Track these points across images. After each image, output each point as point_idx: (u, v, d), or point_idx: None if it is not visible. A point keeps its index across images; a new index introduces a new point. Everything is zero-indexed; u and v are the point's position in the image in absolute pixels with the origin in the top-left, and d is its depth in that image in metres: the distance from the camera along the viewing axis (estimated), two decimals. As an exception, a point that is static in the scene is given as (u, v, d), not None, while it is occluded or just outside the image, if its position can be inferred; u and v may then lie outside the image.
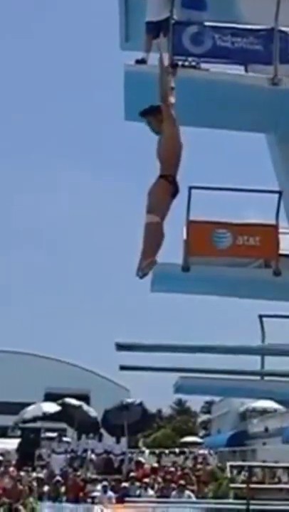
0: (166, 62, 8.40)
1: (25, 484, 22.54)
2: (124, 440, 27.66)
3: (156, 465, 25.25)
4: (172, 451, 28.59)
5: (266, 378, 13.88)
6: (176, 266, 12.43)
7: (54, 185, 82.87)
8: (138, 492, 21.70)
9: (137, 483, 22.27)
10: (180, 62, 11.45)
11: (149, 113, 7.80)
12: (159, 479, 23.46)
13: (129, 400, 29.38)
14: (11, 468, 24.71)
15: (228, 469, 25.30)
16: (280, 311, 14.63)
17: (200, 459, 27.23)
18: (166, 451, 28.73)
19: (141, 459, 25.57)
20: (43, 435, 30.22)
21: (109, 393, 39.44)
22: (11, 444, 29.52)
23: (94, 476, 23.74)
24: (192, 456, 27.65)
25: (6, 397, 42.50)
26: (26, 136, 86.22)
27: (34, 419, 29.24)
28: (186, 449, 30.03)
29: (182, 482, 21.97)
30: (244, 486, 20.32)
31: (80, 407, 28.76)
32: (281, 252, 12.89)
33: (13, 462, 26.37)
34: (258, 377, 14.10)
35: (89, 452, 25.70)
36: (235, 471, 25.67)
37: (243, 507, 17.68)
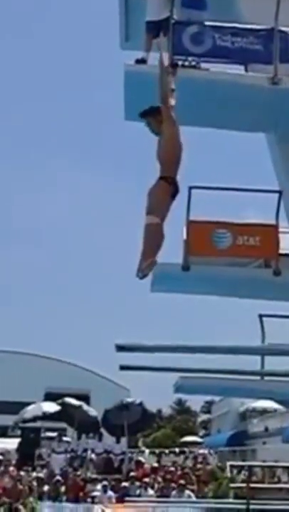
0: (166, 63, 8.37)
1: (25, 484, 22.55)
2: (124, 440, 27.66)
3: (156, 465, 25.26)
4: (172, 451, 28.59)
5: (266, 378, 13.88)
6: (176, 266, 12.44)
7: (54, 185, 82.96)
8: (138, 492, 21.70)
9: (137, 483, 22.27)
10: (180, 62, 11.46)
11: (148, 114, 7.79)
12: (159, 479, 23.47)
13: (129, 400, 29.37)
14: (11, 468, 24.71)
15: (228, 469, 25.31)
16: (280, 311, 14.64)
17: (200, 459, 27.23)
18: (166, 450, 28.73)
19: (141, 458, 25.57)
20: (43, 435, 30.22)
21: (109, 393, 39.45)
22: (11, 443, 29.51)
23: (94, 476, 23.75)
24: (192, 456, 27.66)
25: (6, 397, 42.52)
26: (26, 136, 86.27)
27: (34, 419, 29.24)
28: (186, 449, 30.03)
29: (182, 482, 21.97)
30: (244, 485, 20.32)
31: (80, 406, 28.76)
32: (281, 251, 12.89)
33: (13, 462, 26.37)
34: (258, 377, 14.10)
35: (89, 452, 25.71)
36: (235, 471, 25.68)
37: (243, 506, 17.69)
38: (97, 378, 50.29)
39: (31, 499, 21.11)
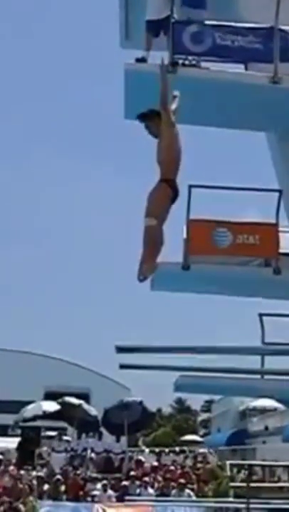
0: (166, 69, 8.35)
1: (25, 483, 22.54)
2: (124, 439, 27.63)
3: (156, 464, 25.25)
4: (172, 450, 28.56)
5: (266, 377, 13.88)
6: (177, 264, 12.45)
7: (54, 184, 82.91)
8: (138, 491, 21.69)
9: (137, 482, 22.26)
10: (180, 61, 11.47)
11: (147, 117, 7.78)
12: (159, 478, 23.45)
13: (130, 399, 29.35)
14: (11, 467, 24.69)
15: (228, 468, 25.29)
16: (280, 310, 14.65)
17: (200, 458, 27.20)
18: (166, 449, 28.66)
19: (141, 457, 25.55)
20: (43, 434, 30.20)
21: (109, 392, 39.43)
22: (11, 442, 29.50)
23: (94, 475, 23.72)
24: (192, 455, 27.63)
25: (6, 396, 42.53)
26: (26, 135, 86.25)
27: (34, 418, 29.21)
28: (186, 448, 30.00)
29: (182, 481, 21.96)
30: (244, 484, 20.30)
31: (80, 405, 28.74)
32: (281, 250, 12.91)
33: (13, 461, 26.36)
34: (258, 376, 14.11)
35: (89, 451, 25.68)
36: (235, 470, 25.67)
37: (243, 506, 17.68)
38: (97, 377, 50.29)
39: (31, 498, 21.10)
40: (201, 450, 29.45)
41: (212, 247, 12.84)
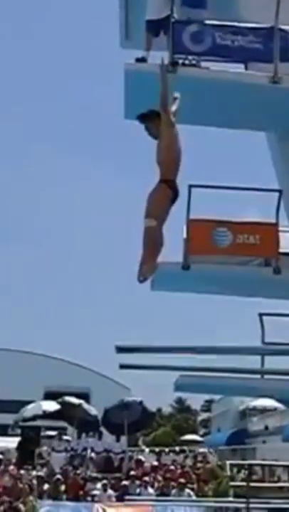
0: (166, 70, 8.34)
1: (25, 483, 22.54)
2: (124, 439, 27.64)
3: (156, 463, 25.26)
4: (172, 450, 28.57)
5: (266, 377, 13.89)
6: (177, 264, 12.45)
7: (54, 183, 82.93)
8: (138, 490, 21.69)
9: (137, 482, 22.27)
10: (180, 61, 11.47)
11: (146, 117, 7.77)
12: (159, 478, 23.45)
13: (130, 399, 29.36)
14: (11, 467, 24.70)
15: (228, 468, 25.29)
16: (280, 309, 14.66)
17: (200, 458, 27.21)
18: (166, 449, 28.67)
19: (141, 457, 25.56)
20: (43, 433, 30.19)
21: (109, 392, 39.42)
22: (11, 442, 29.50)
23: (94, 475, 23.72)
24: (192, 455, 27.64)
25: (6, 396, 42.52)
26: (26, 134, 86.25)
27: (34, 418, 29.22)
28: (186, 448, 30.01)
29: (182, 480, 21.97)
30: (244, 484, 20.31)
31: (80, 405, 28.75)
32: (281, 250, 12.91)
33: (13, 460, 26.37)
34: (258, 376, 14.12)
35: (89, 451, 25.68)
36: (235, 470, 25.68)
37: (243, 505, 17.69)
38: (97, 377, 50.29)
39: (31, 498, 21.10)
40: (201, 450, 29.45)
41: (212, 247, 12.85)
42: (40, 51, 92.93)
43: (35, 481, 22.62)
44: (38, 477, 22.95)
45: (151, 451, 28.23)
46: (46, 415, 29.06)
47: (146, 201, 7.47)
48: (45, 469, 24.36)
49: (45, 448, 26.95)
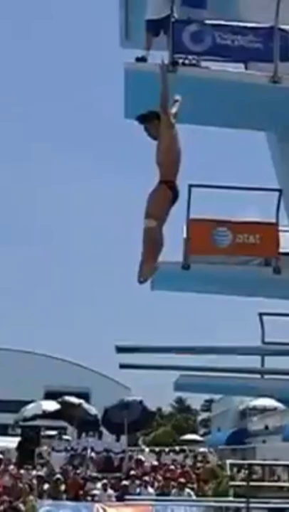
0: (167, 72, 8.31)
1: (25, 482, 22.53)
2: (124, 438, 27.66)
3: (156, 463, 25.26)
4: (172, 450, 28.58)
5: (266, 376, 13.90)
6: (177, 264, 12.45)
7: (55, 182, 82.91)
8: (138, 490, 21.69)
9: (137, 482, 22.26)
10: (180, 61, 11.47)
11: (146, 118, 7.76)
12: (159, 477, 23.45)
13: (130, 398, 29.36)
14: (11, 467, 24.72)
15: (228, 467, 25.28)
16: (280, 309, 14.65)
17: (200, 457, 27.22)
18: (166, 449, 28.69)
19: (141, 457, 25.55)
20: (43, 433, 30.18)
21: (109, 391, 39.44)
22: (11, 442, 29.49)
23: (94, 474, 23.70)
24: (192, 455, 27.64)
25: (6, 396, 42.52)
26: (26, 134, 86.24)
27: (34, 418, 29.23)
28: (186, 447, 30.02)
29: (182, 480, 21.96)
30: (244, 484, 20.30)
31: (80, 405, 28.76)
32: (281, 250, 12.91)
33: (13, 460, 26.37)
34: (258, 376, 14.12)
35: (89, 450, 25.68)
36: (235, 469, 25.66)
37: (243, 505, 17.68)
38: (97, 376, 50.30)
39: (31, 497, 21.09)
40: (201, 449, 29.47)
41: (212, 247, 12.85)
42: (40, 51, 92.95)
43: (35, 481, 22.62)
44: (38, 477, 22.95)
45: (151, 451, 28.25)
46: (46, 415, 29.06)
47: (146, 202, 7.47)
48: (45, 469, 24.36)
49: (45, 448, 26.96)
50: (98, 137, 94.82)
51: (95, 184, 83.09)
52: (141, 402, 28.35)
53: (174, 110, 7.76)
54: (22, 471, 24.06)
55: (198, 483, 23.31)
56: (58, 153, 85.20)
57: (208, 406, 67.63)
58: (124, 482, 22.10)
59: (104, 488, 21.78)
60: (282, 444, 32.98)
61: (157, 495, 21.42)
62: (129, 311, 79.18)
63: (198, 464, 25.96)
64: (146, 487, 21.91)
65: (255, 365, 11.89)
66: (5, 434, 34.47)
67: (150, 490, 21.88)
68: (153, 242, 7.42)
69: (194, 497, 21.19)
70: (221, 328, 66.32)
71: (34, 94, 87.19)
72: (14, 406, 33.11)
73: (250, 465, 23.70)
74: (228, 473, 24.61)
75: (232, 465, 25.76)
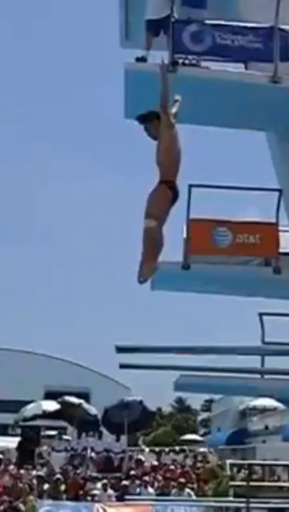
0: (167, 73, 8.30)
1: (25, 482, 22.54)
2: (124, 438, 27.67)
3: (156, 463, 25.26)
4: (172, 450, 28.59)
5: (266, 376, 13.89)
6: (177, 264, 12.45)
7: (54, 183, 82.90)
8: (138, 490, 21.69)
9: (137, 482, 22.26)
10: (180, 61, 11.47)
11: (146, 118, 7.76)
12: (159, 477, 23.45)
13: (130, 398, 29.37)
14: (11, 467, 24.72)
15: (228, 467, 25.28)
16: (280, 309, 14.65)
17: (200, 457, 27.23)
18: (166, 449, 28.69)
19: (141, 457, 25.56)
20: (43, 433, 30.18)
21: (109, 391, 39.44)
22: (11, 442, 29.50)
23: (94, 474, 23.70)
24: (192, 455, 27.65)
25: (6, 396, 42.52)
26: (26, 135, 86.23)
27: (34, 417, 29.24)
28: (186, 447, 30.03)
29: (182, 480, 21.96)
30: (244, 484, 20.30)
31: (80, 405, 28.77)
32: (281, 250, 12.91)
33: (13, 460, 26.37)
34: (258, 375, 14.12)
35: (89, 450, 25.68)
36: (235, 469, 25.66)
37: (243, 505, 17.68)
38: (97, 376, 50.30)
39: (31, 497, 21.09)
40: (201, 449, 29.48)
41: (212, 247, 12.85)
42: (40, 51, 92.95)
43: (35, 481, 22.62)
44: (38, 477, 22.95)
45: (151, 451, 28.25)
46: (46, 415, 29.07)
47: (146, 202, 7.47)
48: (45, 469, 24.36)
49: (45, 448, 26.96)
50: (98, 137, 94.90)
51: (95, 184, 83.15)
52: (141, 402, 28.36)
53: (174, 110, 7.76)
54: (22, 471, 24.06)
55: (198, 483, 23.32)
56: (58, 153, 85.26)
57: (208, 406, 67.64)
58: (124, 482, 22.10)
59: (105, 488, 21.78)
60: (282, 444, 32.98)
61: (157, 495, 21.43)
62: (129, 311, 79.24)
63: (198, 464, 25.96)
64: (146, 487, 21.91)
65: (255, 365, 11.89)
66: (5, 434, 34.47)
67: (150, 490, 21.88)
68: (153, 242, 7.42)
69: (194, 497, 21.20)
70: (221, 328, 66.35)
71: (34, 94, 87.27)
72: (14, 406, 33.12)
73: (250, 465, 23.70)
74: (228, 473, 24.61)
75: (232, 465, 25.76)
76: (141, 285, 7.46)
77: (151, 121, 7.66)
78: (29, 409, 29.43)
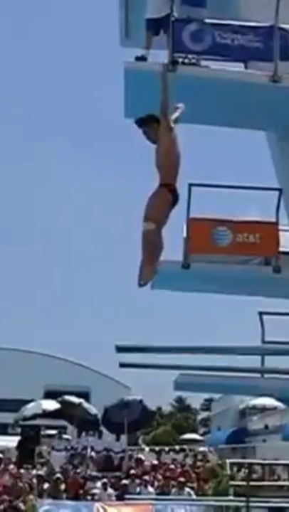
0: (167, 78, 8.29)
1: (25, 482, 22.55)
2: (124, 437, 27.67)
3: (156, 462, 25.26)
4: (172, 449, 28.58)
5: (266, 375, 13.90)
6: (177, 263, 12.45)
7: (54, 183, 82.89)
8: (138, 489, 21.71)
9: (137, 481, 22.28)
10: (180, 60, 11.46)
11: (145, 122, 7.74)
12: (159, 477, 23.46)
13: (130, 398, 29.37)
14: (11, 466, 24.72)
15: (228, 466, 25.28)
16: (280, 308, 14.65)
17: (200, 457, 27.23)
18: (166, 448, 28.67)
19: (141, 456, 25.56)
20: (43, 432, 30.18)
21: (109, 390, 39.43)
22: (11, 441, 29.49)
23: (94, 474, 23.72)
24: (192, 454, 27.65)
25: (6, 395, 42.54)
26: (26, 135, 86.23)
27: (34, 417, 29.25)
28: (186, 447, 30.03)
29: (182, 479, 21.98)
30: (244, 483, 20.31)
31: (80, 404, 28.77)
32: (281, 249, 12.91)
33: (13, 459, 26.37)
34: (258, 375, 14.12)
35: (89, 450, 25.68)
36: (235, 469, 25.67)
37: (243, 504, 17.69)
38: (97, 376, 50.30)
39: (31, 497, 21.11)
40: (201, 449, 29.46)
41: (212, 246, 12.84)
42: (40, 50, 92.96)
43: (35, 480, 22.63)
44: (38, 476, 22.96)
45: (151, 450, 28.24)
46: (46, 414, 29.08)
47: (146, 205, 7.47)
48: (45, 468, 24.36)
49: (45, 447, 26.94)
50: (98, 137, 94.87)
51: (95, 184, 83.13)
52: (141, 401, 28.36)
53: (174, 116, 7.73)
54: (22, 471, 24.07)
55: (198, 482, 23.32)
56: (58, 153, 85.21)
57: (208, 405, 67.65)
58: (124, 481, 22.11)
59: (105, 487, 21.79)
60: (282, 443, 32.96)
61: (157, 494, 21.44)
62: (129, 311, 79.22)
63: (198, 463, 25.96)
64: (146, 486, 21.93)
65: (255, 364, 11.89)
66: (5, 433, 34.47)
67: (150, 489, 21.90)
68: (152, 245, 7.42)
69: (194, 496, 21.22)
70: (221, 327, 66.41)
71: (34, 94, 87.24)
72: (14, 405, 33.13)
73: (250, 464, 23.69)
74: (228, 472, 24.61)
75: (232, 464, 25.76)
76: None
77: (150, 124, 7.64)
78: (29, 409, 29.44)
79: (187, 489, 21.43)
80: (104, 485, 21.92)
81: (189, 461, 26.46)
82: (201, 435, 53.25)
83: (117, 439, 28.51)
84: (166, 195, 7.48)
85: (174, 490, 21.46)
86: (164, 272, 10.38)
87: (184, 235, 12.82)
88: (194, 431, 58.38)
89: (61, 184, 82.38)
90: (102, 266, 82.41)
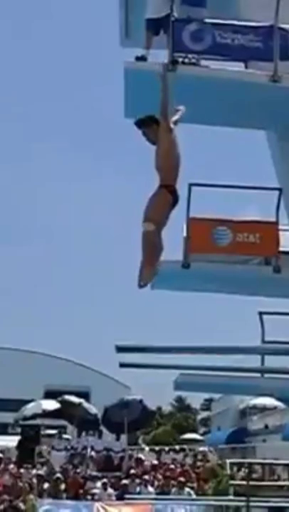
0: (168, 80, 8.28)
1: (25, 481, 22.55)
2: (124, 437, 27.68)
3: (156, 462, 25.27)
4: (172, 449, 28.58)
5: (266, 375, 13.90)
6: (177, 263, 12.45)
7: (54, 183, 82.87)
8: (138, 489, 21.71)
9: (137, 481, 22.28)
10: (180, 59, 11.47)
11: (144, 123, 7.74)
12: (159, 476, 23.47)
13: (130, 397, 29.38)
14: (11, 466, 24.72)
15: (228, 466, 25.28)
16: (280, 308, 14.65)
17: (200, 456, 27.23)
18: (166, 448, 28.68)
19: (141, 456, 25.57)
20: (43, 432, 30.19)
21: (109, 390, 39.43)
22: (11, 441, 29.49)
23: (94, 473, 23.72)
24: (192, 454, 27.65)
25: (6, 395, 42.55)
26: (26, 134, 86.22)
27: (34, 417, 29.26)
28: (185, 446, 30.03)
29: (182, 479, 21.98)
30: (244, 483, 20.31)
31: (80, 404, 28.78)
32: (281, 249, 12.91)
33: (13, 459, 26.38)
34: (258, 374, 14.12)
35: (89, 449, 25.69)
36: (235, 468, 25.67)
37: (243, 504, 17.70)
38: (97, 376, 50.31)
39: (31, 496, 21.11)
40: (201, 448, 29.46)
41: (212, 246, 12.85)
42: (40, 50, 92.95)
43: (35, 480, 22.63)
44: (38, 476, 22.96)
45: (151, 450, 28.24)
46: (46, 414, 29.08)
47: (145, 206, 7.47)
48: (45, 468, 24.36)
49: (45, 447, 26.94)
50: (98, 137, 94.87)
51: (95, 184, 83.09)
52: (141, 401, 28.36)
53: (174, 118, 7.72)
54: (22, 470, 24.07)
55: (198, 482, 23.32)
56: (58, 153, 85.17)
57: (208, 405, 67.64)
58: (124, 481, 22.12)
59: (105, 487, 21.79)
60: (282, 443, 32.95)
61: (157, 494, 21.44)
62: (129, 311, 79.21)
63: (198, 463, 25.96)
64: (146, 486, 21.93)
65: (256, 364, 11.90)
66: (5, 433, 34.47)
67: (150, 489, 21.90)
68: (152, 246, 7.42)
69: (194, 496, 21.22)
70: (221, 327, 66.39)
71: (34, 94, 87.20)
72: (14, 405, 33.15)
73: (250, 464, 23.70)
74: (228, 472, 24.61)
75: (232, 464, 25.75)
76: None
77: (149, 126, 7.64)
78: (29, 408, 29.45)
79: (187, 489, 21.43)
80: (104, 485, 21.93)
81: (189, 460, 26.47)
82: (201, 435, 53.22)
83: (117, 439, 28.52)
84: (166, 196, 7.48)
85: (174, 490, 21.47)
86: (164, 272, 10.38)
87: (184, 234, 12.82)
88: (194, 431, 58.35)
89: (61, 184, 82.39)
90: (102, 266, 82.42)
